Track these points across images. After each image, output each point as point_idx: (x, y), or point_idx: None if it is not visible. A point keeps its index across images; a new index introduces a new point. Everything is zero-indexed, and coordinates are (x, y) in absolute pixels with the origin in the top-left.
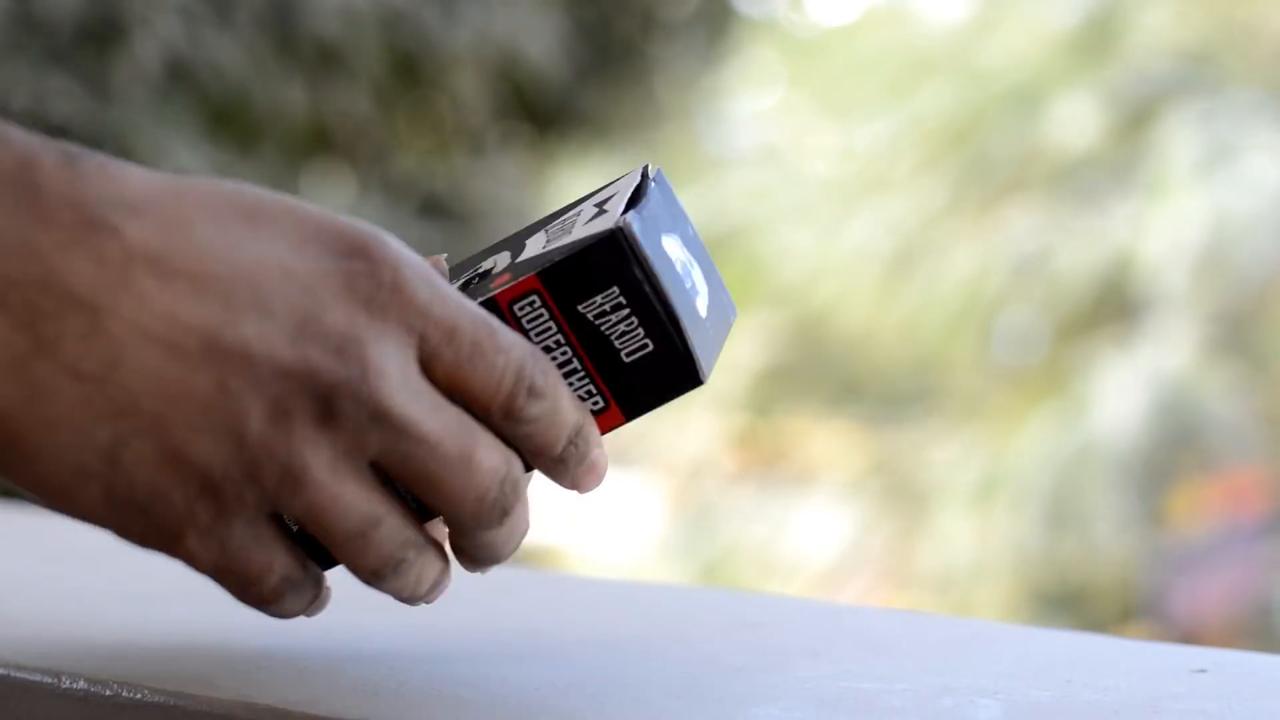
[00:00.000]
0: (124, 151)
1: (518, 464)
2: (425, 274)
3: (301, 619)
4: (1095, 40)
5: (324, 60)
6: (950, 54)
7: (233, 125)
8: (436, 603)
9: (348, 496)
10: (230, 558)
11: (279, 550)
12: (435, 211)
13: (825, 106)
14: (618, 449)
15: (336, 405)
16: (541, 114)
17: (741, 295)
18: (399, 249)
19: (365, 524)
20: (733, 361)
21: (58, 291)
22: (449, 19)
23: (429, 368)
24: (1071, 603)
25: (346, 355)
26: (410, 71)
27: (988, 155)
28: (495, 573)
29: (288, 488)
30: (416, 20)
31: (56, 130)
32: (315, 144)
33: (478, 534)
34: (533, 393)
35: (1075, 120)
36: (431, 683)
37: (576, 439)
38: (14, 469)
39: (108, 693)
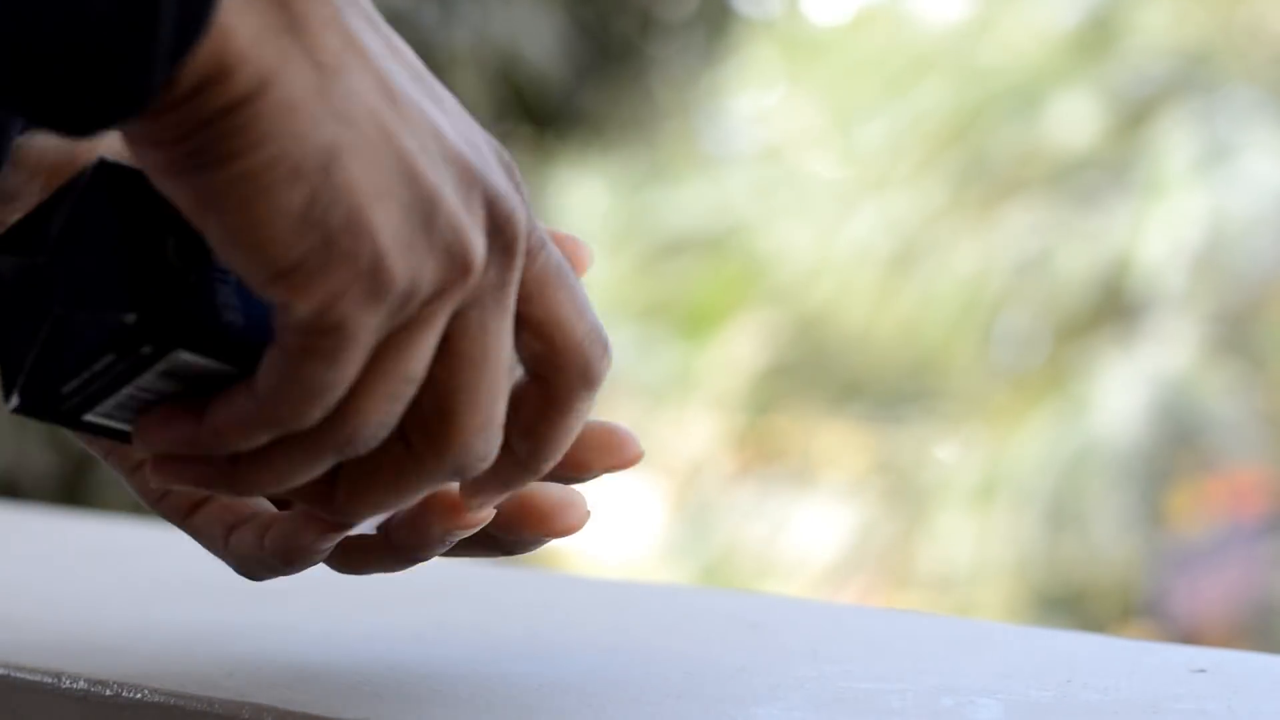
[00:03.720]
0: None
1: None
2: None
3: (305, 617)
4: (1094, 39)
5: None
6: (949, 53)
7: None
8: (436, 603)
9: (431, 344)
10: (432, 248)
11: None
12: None
13: (825, 106)
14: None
15: (500, 219)
16: (541, 114)
17: (741, 295)
18: None
19: (411, 382)
20: (732, 361)
21: None
22: (448, 19)
23: (528, 264)
24: (1072, 603)
25: (507, 181)
26: None
27: (987, 154)
28: (495, 573)
29: (455, 273)
30: (415, 20)
31: None
32: None
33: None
34: (608, 354)
35: (1075, 119)
36: (431, 683)
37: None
38: (241, 149)
39: (108, 693)
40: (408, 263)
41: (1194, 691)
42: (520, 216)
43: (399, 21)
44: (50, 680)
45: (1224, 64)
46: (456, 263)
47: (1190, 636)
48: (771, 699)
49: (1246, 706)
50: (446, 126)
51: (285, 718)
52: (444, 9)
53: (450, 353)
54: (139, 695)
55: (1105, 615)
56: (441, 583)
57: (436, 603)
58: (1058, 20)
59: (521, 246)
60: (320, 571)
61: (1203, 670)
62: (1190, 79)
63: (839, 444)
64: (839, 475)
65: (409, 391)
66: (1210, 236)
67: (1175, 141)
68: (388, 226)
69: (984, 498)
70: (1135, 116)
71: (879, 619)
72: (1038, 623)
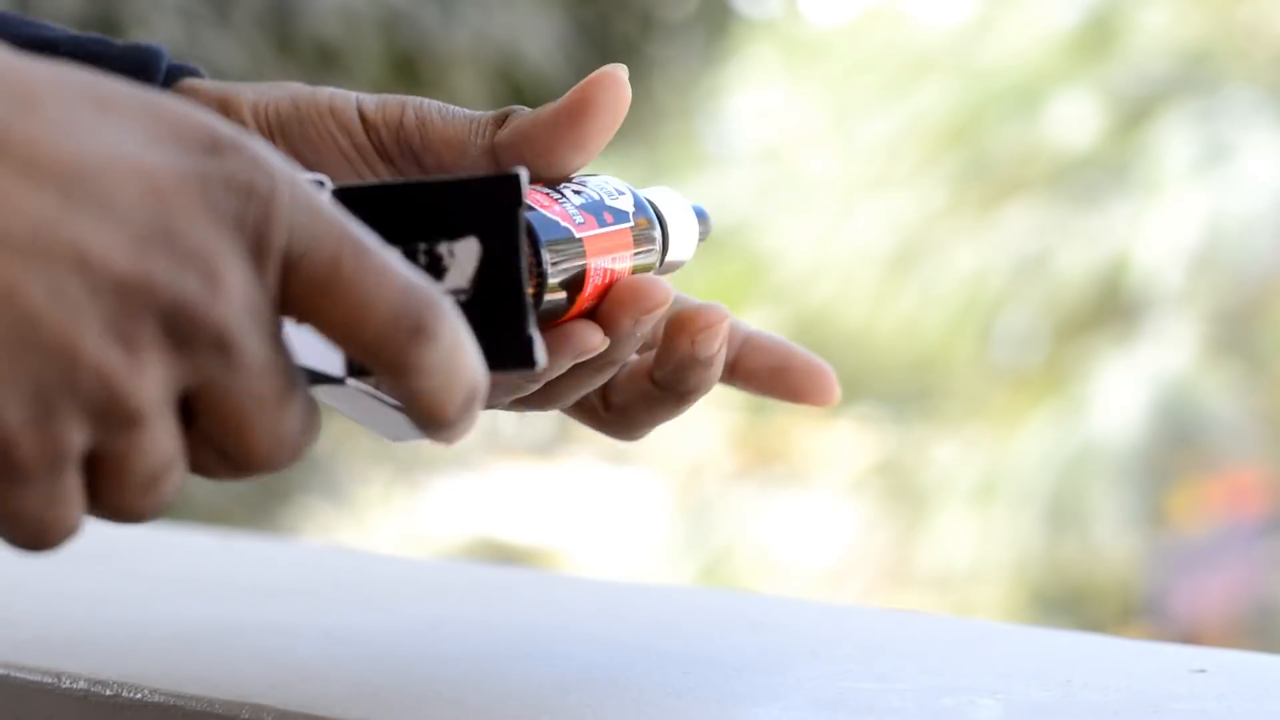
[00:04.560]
0: None
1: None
2: (296, 181)
3: (305, 621)
4: (1095, 39)
5: (323, 60)
6: (950, 53)
7: None
8: (436, 603)
9: (161, 438)
10: (34, 506)
11: (78, 503)
12: None
13: (825, 106)
14: (617, 448)
15: (184, 329)
16: None
17: (742, 294)
18: (268, 152)
19: (163, 469)
20: None
21: None
22: (448, 19)
23: (285, 285)
24: (1071, 603)
25: (196, 269)
26: (409, 72)
27: (987, 154)
28: (495, 573)
29: (115, 423)
30: (415, 20)
31: None
32: None
33: (244, 476)
34: (420, 333)
35: (1075, 119)
36: (431, 683)
37: (474, 400)
38: None
39: (108, 693)
40: (44, 438)
41: (1194, 691)
42: (214, 311)
43: (398, 21)
44: (50, 680)
45: (1224, 64)
46: (112, 412)
47: (1190, 636)
48: (771, 699)
49: (1246, 706)
50: (102, 244)
51: (285, 718)
52: (444, 9)
53: (204, 424)
54: (139, 695)
55: (1105, 615)
56: (441, 582)
57: (436, 603)
58: (1058, 20)
59: (233, 330)
60: (319, 571)
61: (1203, 670)
62: (1190, 79)
63: (839, 443)
64: (839, 475)
65: (170, 477)
66: (1209, 236)
67: (1175, 141)
68: (9, 410)
69: (984, 498)
70: (1135, 116)
71: (879, 619)
72: (1038, 623)
